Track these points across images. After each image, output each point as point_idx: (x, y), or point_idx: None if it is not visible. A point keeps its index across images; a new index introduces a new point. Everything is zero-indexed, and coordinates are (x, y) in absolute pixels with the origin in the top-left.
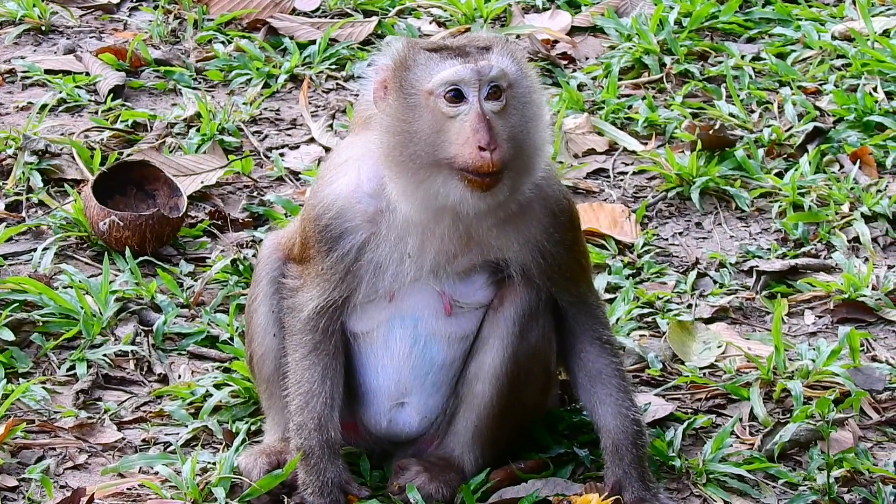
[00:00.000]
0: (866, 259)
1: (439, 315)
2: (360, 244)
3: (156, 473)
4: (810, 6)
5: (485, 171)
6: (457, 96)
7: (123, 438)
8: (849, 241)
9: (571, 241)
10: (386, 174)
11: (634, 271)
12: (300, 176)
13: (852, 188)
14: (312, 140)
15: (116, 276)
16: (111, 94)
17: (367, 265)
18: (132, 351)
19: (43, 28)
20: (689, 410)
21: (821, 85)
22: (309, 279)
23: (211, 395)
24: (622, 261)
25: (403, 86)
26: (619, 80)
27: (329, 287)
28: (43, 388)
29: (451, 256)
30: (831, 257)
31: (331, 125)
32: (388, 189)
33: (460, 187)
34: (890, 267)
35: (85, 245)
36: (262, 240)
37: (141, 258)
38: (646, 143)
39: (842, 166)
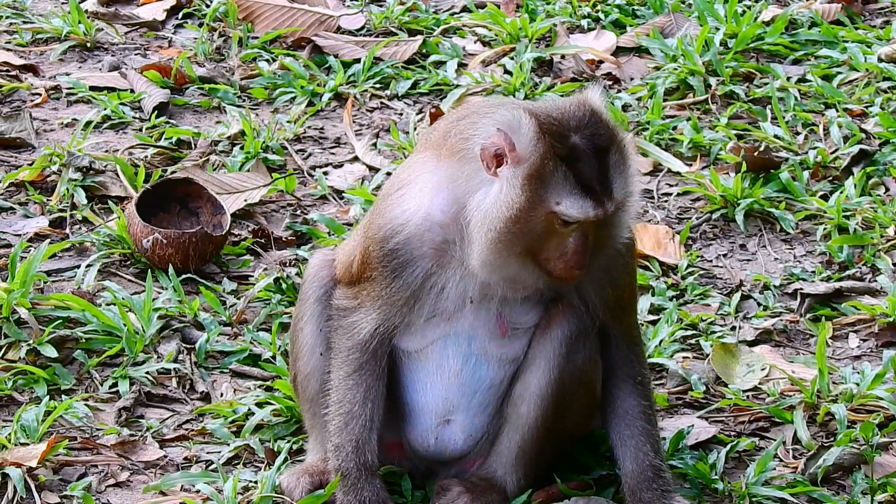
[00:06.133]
0: None
1: (493, 335)
2: (426, 272)
3: (197, 492)
4: (857, 28)
5: (568, 281)
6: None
7: (165, 456)
8: (894, 265)
9: (632, 268)
10: (473, 237)
11: (678, 293)
12: (344, 194)
13: None
14: (356, 159)
15: (159, 293)
16: (155, 112)
17: (430, 291)
18: (174, 369)
19: (88, 45)
20: (732, 433)
21: (867, 107)
22: (368, 300)
23: (253, 414)
24: (666, 282)
25: (533, 193)
26: (664, 100)
27: (392, 311)
28: (85, 405)
29: (518, 291)
30: (876, 280)
31: (374, 144)
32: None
33: (541, 276)
34: None
35: (128, 262)
36: (305, 258)
37: (184, 276)
38: (690, 165)
39: (887, 189)
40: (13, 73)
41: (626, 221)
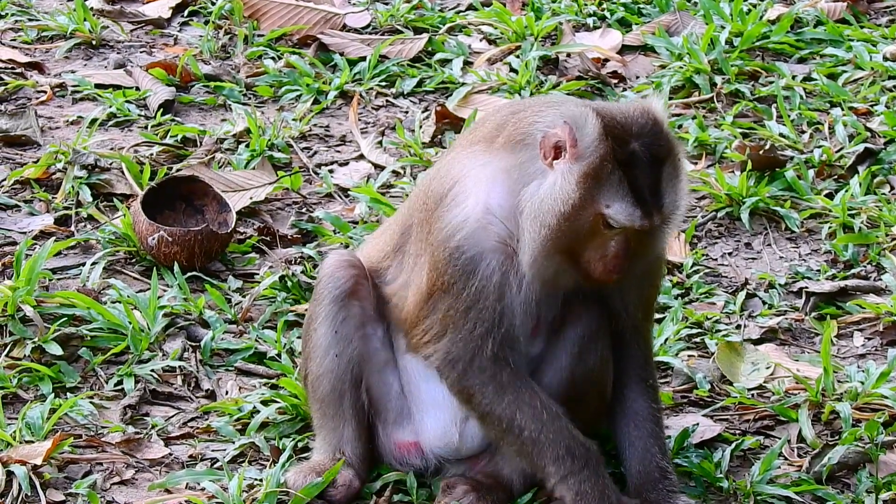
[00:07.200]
0: None
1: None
2: (501, 265)
3: (202, 489)
4: (862, 27)
5: (604, 283)
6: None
7: (170, 454)
8: None
9: (662, 274)
10: (525, 230)
11: (683, 291)
12: (349, 192)
13: None
14: (362, 157)
15: (165, 291)
16: (161, 109)
17: (510, 288)
18: (180, 366)
19: (93, 42)
20: (737, 431)
21: (872, 106)
22: (452, 322)
23: (258, 412)
24: (671, 280)
25: (586, 191)
26: (670, 99)
27: (487, 330)
28: (90, 402)
29: (557, 290)
30: (881, 279)
31: (380, 142)
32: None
33: (579, 276)
34: None
35: (133, 260)
36: (311, 256)
37: (189, 273)
38: (696, 163)
39: (892, 188)
40: (18, 70)
41: (668, 233)
